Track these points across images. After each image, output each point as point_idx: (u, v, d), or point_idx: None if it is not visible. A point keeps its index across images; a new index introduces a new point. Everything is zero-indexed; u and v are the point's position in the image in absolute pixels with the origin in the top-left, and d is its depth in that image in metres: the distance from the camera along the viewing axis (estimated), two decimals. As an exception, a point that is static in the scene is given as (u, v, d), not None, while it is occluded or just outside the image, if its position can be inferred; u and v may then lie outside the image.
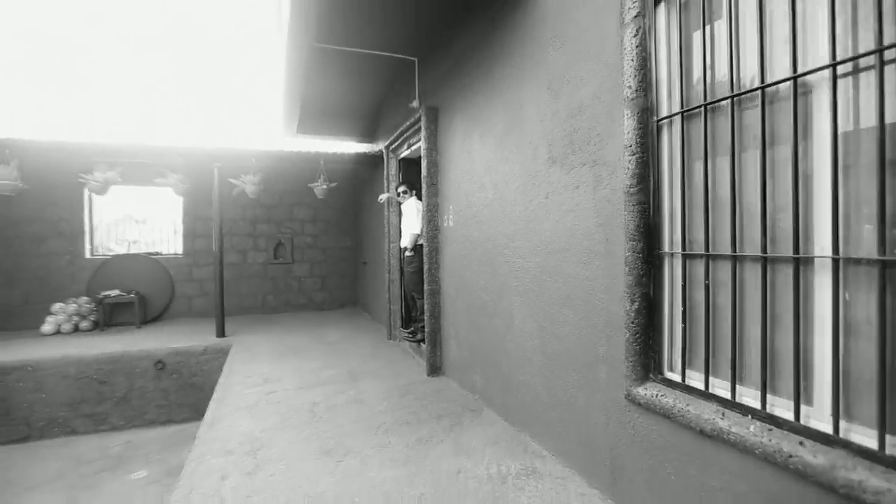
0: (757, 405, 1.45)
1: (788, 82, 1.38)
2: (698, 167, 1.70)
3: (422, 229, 4.37)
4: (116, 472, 4.25)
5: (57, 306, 6.27)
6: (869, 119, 1.21)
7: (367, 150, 6.61)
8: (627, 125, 1.88)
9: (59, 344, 5.54)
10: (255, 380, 4.06)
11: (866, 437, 1.20)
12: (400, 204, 5.14)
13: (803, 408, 1.34)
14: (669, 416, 1.69)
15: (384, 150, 5.45)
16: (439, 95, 3.93)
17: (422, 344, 4.59)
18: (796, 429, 1.32)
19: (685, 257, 1.74)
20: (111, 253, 7.10)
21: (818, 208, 1.32)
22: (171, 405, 5.33)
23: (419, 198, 4.69)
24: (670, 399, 1.69)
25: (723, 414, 1.51)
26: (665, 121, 1.81)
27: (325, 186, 6.00)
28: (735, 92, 1.54)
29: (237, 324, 6.73)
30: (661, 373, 1.81)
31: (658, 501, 1.79)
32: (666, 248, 1.82)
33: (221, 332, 5.86)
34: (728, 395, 1.54)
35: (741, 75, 1.55)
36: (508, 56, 2.82)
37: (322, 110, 6.17)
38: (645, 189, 1.83)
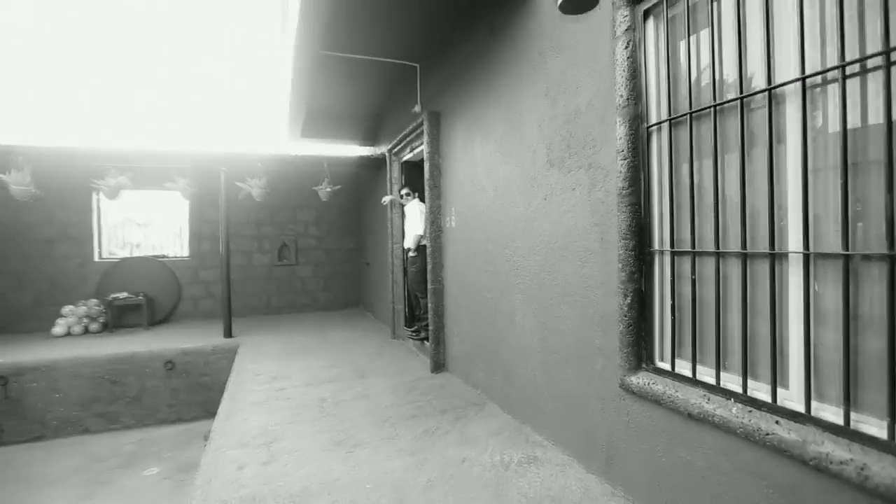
0: (739, 389, 1.58)
1: (763, 93, 1.51)
2: (685, 171, 1.83)
3: (425, 230, 4.50)
4: (130, 468, 4.38)
5: (67, 309, 6.41)
6: (834, 125, 1.34)
7: (369, 154, 6.74)
8: (620, 131, 2.01)
9: (71, 345, 5.68)
10: (265, 378, 4.19)
11: (833, 415, 1.33)
12: (403, 206, 5.27)
13: (780, 390, 1.47)
14: (660, 402, 1.82)
15: (387, 154, 5.58)
16: (441, 101, 4.06)
17: (425, 342, 4.72)
18: (773, 409, 1.45)
19: (673, 254, 1.87)
20: (114, 256, 7.23)
21: (791, 208, 1.45)
22: (180, 404, 5.46)
23: (422, 200, 4.83)
24: (660, 386, 1.82)
25: (708, 398, 1.64)
26: (654, 127, 1.94)
27: (329, 189, 6.13)
28: (717, 101, 1.67)
29: (243, 324, 6.86)
30: (653, 362, 1.94)
31: (650, 482, 1.92)
32: (656, 246, 1.95)
33: (229, 333, 5.99)
34: (713, 381, 1.67)
35: (723, 86, 1.68)
36: (507, 64, 2.95)
37: (325, 114, 6.31)
38: (636, 191, 1.96)
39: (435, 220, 4.15)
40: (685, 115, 1.79)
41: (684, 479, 1.76)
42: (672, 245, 1.87)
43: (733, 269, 1.65)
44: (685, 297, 1.83)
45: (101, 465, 4.43)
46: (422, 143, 4.48)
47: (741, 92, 1.58)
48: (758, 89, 1.53)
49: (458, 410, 3.23)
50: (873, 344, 1.26)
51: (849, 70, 1.29)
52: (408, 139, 4.88)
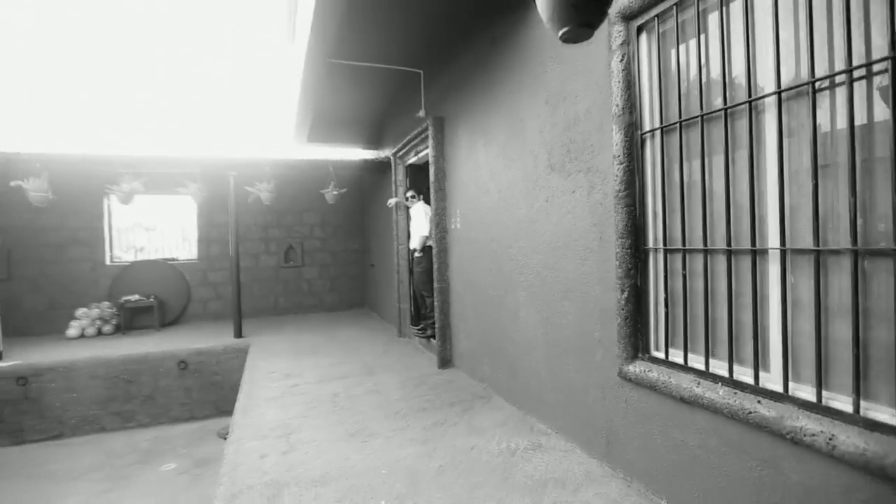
0: (726, 374, 1.73)
1: (745, 105, 1.66)
2: (676, 174, 1.98)
3: (430, 231, 4.66)
4: (147, 464, 4.54)
5: (81, 311, 6.57)
6: (806, 134, 1.50)
7: (373, 157, 6.90)
8: (616, 138, 2.16)
9: (86, 346, 5.84)
10: (278, 375, 4.35)
11: (808, 394, 1.48)
12: (408, 208, 5.43)
13: (761, 373, 1.62)
14: (655, 388, 1.97)
15: (392, 157, 5.74)
16: (444, 106, 4.22)
17: (431, 339, 4.87)
18: (756, 390, 1.61)
19: (666, 252, 2.02)
20: (124, 260, 7.40)
21: (770, 208, 1.61)
22: (193, 402, 5.62)
23: (426, 202, 4.99)
24: (655, 373, 1.97)
25: (698, 383, 1.79)
26: (648, 134, 2.10)
27: (335, 192, 6.30)
28: (704, 112, 1.82)
29: (252, 325, 7.02)
30: (648, 352, 2.10)
31: (648, 463, 2.08)
32: (650, 244, 2.10)
33: (239, 333, 6.15)
34: (703, 367, 1.83)
35: (710, 97, 1.84)
36: (509, 73, 3.11)
37: (330, 119, 6.47)
38: (632, 194, 2.12)
39: (440, 222, 4.31)
40: (675, 123, 1.95)
41: (678, 458, 1.91)
42: (665, 243, 2.03)
43: (720, 265, 1.80)
44: (677, 290, 1.99)
45: (119, 461, 4.59)
46: (426, 147, 4.64)
47: (725, 103, 1.73)
48: (740, 101, 1.68)
49: (465, 403, 3.38)
50: (842, 330, 1.41)
51: (818, 85, 1.45)
52: (412, 143, 5.04)
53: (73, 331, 6.38)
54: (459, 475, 2.35)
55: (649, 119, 2.10)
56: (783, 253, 1.55)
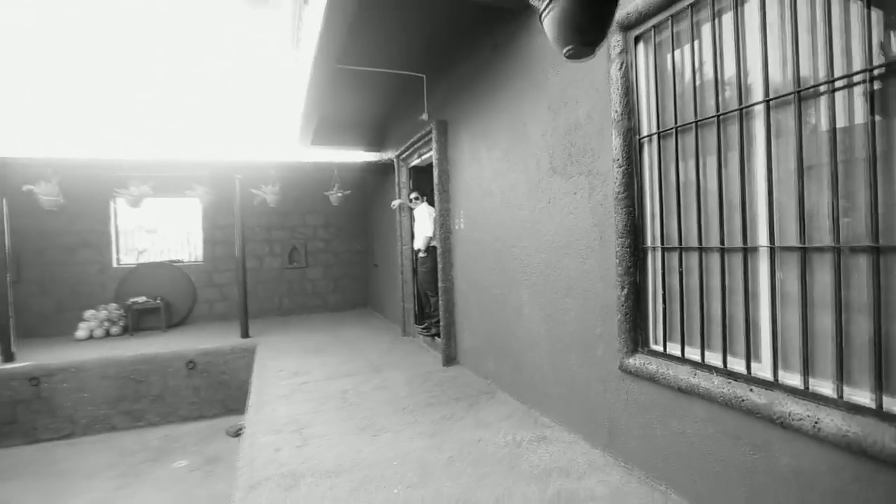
0: (720, 364, 1.84)
1: (736, 112, 1.77)
2: (672, 177, 2.09)
3: (434, 232, 4.77)
4: (159, 462, 4.64)
5: (89, 313, 6.67)
6: (791, 139, 1.61)
7: (375, 159, 7.01)
8: (615, 142, 2.27)
9: (95, 348, 5.95)
10: (286, 373, 4.45)
11: (795, 381, 1.59)
12: (412, 209, 5.54)
13: (753, 363, 1.73)
14: (654, 380, 2.08)
15: (395, 160, 5.85)
16: (447, 110, 4.33)
17: (436, 338, 4.98)
18: (748, 379, 1.72)
19: (663, 250, 2.14)
20: (130, 263, 7.49)
21: (760, 209, 1.72)
22: (201, 402, 5.72)
23: (430, 203, 5.10)
24: (654, 366, 2.08)
25: (695, 373, 1.90)
26: (646, 139, 2.21)
27: (339, 194, 6.40)
28: (698, 118, 1.93)
29: (258, 325, 7.12)
30: (648, 345, 2.21)
31: (647, 451, 2.19)
32: (648, 243, 2.21)
33: (245, 333, 6.25)
34: (699, 359, 1.94)
35: (703, 104, 1.95)
36: (511, 79, 3.21)
37: (334, 122, 6.58)
38: (630, 195, 2.23)
39: (444, 223, 4.41)
40: (672, 128, 2.06)
41: (676, 445, 2.02)
42: (662, 242, 2.14)
43: (714, 262, 1.91)
44: (674, 287, 2.10)
45: (131, 458, 4.70)
46: (429, 150, 4.75)
47: (718, 110, 1.84)
48: (732, 108, 1.79)
49: (470, 398, 3.49)
50: (826, 322, 1.52)
51: (803, 95, 1.56)
52: (416, 146, 5.15)
53: (81, 332, 6.48)
54: (468, 466, 2.46)
55: (647, 124, 2.20)
56: (772, 250, 1.66)
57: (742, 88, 1.75)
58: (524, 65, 3.06)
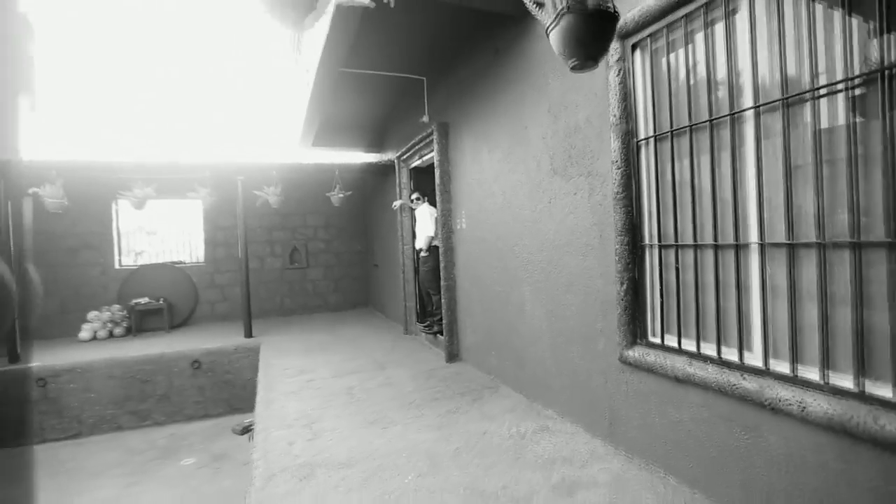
0: (714, 354, 1.96)
1: (727, 117, 1.89)
2: (668, 178, 2.20)
3: (436, 232, 4.87)
4: (167, 460, 4.72)
5: (92, 314, 6.73)
6: (779, 142, 1.72)
7: (376, 160, 7.11)
8: (614, 145, 2.38)
9: (100, 348, 6.01)
10: (292, 371, 4.54)
11: (784, 368, 1.71)
12: (413, 210, 5.63)
13: (745, 353, 1.85)
14: (653, 370, 2.19)
15: (396, 161, 5.95)
16: (448, 112, 4.43)
17: (438, 335, 5.09)
18: (740, 367, 1.83)
19: (660, 247, 2.25)
20: (128, 264, 7.54)
21: (750, 207, 1.83)
22: (206, 401, 5.80)
23: (431, 204, 5.20)
24: (653, 357, 2.19)
25: (691, 363, 2.02)
26: (643, 141, 2.32)
27: (341, 195, 6.49)
28: (692, 122, 2.05)
29: (260, 325, 7.19)
30: (646, 338, 2.32)
31: (647, 439, 2.30)
32: (646, 241, 2.32)
33: (249, 333, 6.33)
34: (694, 349, 2.05)
35: (698, 108, 2.06)
36: (512, 83, 3.32)
37: (336, 124, 6.67)
38: (629, 195, 2.34)
39: (446, 223, 4.52)
40: (667, 132, 2.17)
41: (674, 432, 2.13)
42: (659, 240, 2.25)
43: (708, 258, 2.03)
44: (671, 282, 2.21)
45: (139, 457, 4.77)
46: (430, 151, 4.84)
47: (711, 115, 1.96)
48: (724, 113, 1.91)
49: (474, 393, 3.60)
50: (812, 312, 1.64)
51: (790, 101, 1.67)
52: (416, 147, 5.25)
53: (85, 333, 6.54)
54: (475, 456, 2.57)
55: (644, 128, 2.32)
56: (762, 247, 1.77)
57: (733, 94, 1.87)
58: (525, 69, 3.17)
